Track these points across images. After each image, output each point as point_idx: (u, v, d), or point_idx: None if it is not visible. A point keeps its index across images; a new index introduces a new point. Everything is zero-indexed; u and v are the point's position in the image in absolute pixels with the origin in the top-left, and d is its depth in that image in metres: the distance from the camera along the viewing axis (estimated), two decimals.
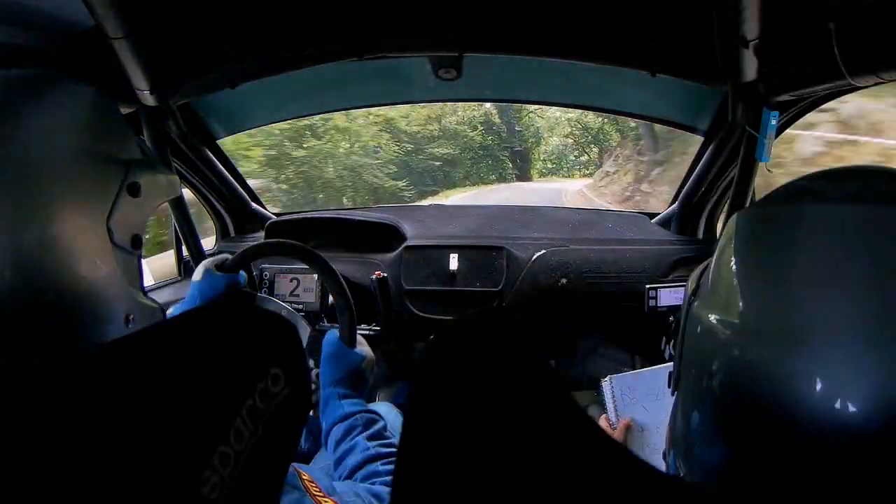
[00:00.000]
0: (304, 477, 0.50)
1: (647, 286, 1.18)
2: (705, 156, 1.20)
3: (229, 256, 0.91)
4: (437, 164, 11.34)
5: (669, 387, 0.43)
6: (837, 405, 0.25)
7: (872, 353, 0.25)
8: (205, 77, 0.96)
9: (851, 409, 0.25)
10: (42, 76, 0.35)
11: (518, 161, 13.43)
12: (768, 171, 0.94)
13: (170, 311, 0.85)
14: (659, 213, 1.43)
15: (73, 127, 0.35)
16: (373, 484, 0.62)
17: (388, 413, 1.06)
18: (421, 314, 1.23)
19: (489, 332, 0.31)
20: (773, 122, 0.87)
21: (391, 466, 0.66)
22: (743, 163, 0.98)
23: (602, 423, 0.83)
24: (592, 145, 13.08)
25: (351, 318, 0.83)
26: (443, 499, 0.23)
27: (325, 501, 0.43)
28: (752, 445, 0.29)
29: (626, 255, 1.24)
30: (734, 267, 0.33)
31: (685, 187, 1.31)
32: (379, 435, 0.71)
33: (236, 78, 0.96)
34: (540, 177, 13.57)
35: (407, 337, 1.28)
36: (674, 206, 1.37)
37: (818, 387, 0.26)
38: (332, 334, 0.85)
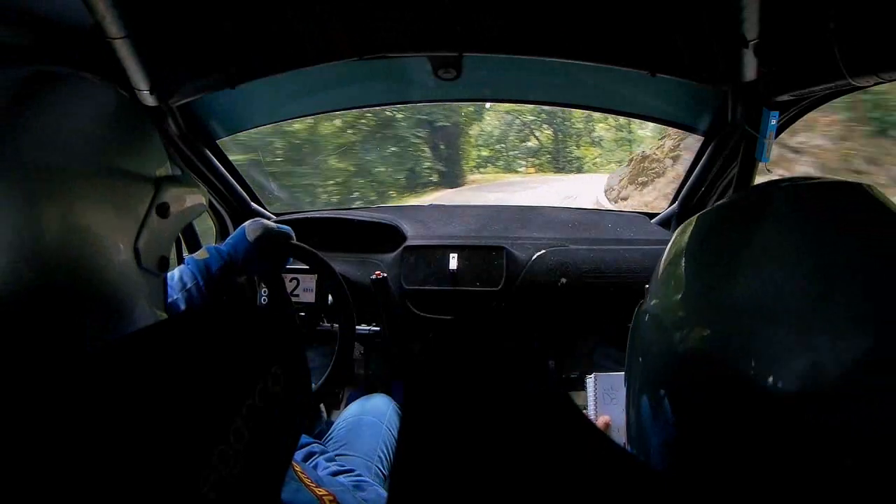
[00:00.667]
0: (296, 468, 0.50)
1: (647, 286, 1.18)
2: (705, 156, 1.20)
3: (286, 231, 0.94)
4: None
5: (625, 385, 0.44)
6: (771, 384, 0.26)
7: (807, 333, 0.26)
8: (205, 77, 0.96)
9: (784, 387, 0.25)
10: (70, 76, 0.35)
11: (443, 148, 9.12)
12: (768, 171, 0.94)
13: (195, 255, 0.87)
14: (659, 213, 1.43)
15: (106, 139, 0.34)
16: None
17: (387, 407, 1.05)
18: (421, 314, 1.23)
19: (488, 332, 0.31)
20: (773, 122, 0.87)
21: None
22: (743, 163, 0.98)
23: None
24: (546, 126, 10.14)
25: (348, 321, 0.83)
26: (440, 497, 0.23)
27: (319, 491, 0.43)
28: (694, 426, 0.30)
29: (625, 255, 1.24)
30: (679, 257, 0.35)
31: (685, 187, 1.31)
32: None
33: (236, 78, 0.96)
34: (476, 171, 9.86)
35: (407, 337, 1.28)
36: (674, 206, 1.37)
37: (752, 365, 0.26)
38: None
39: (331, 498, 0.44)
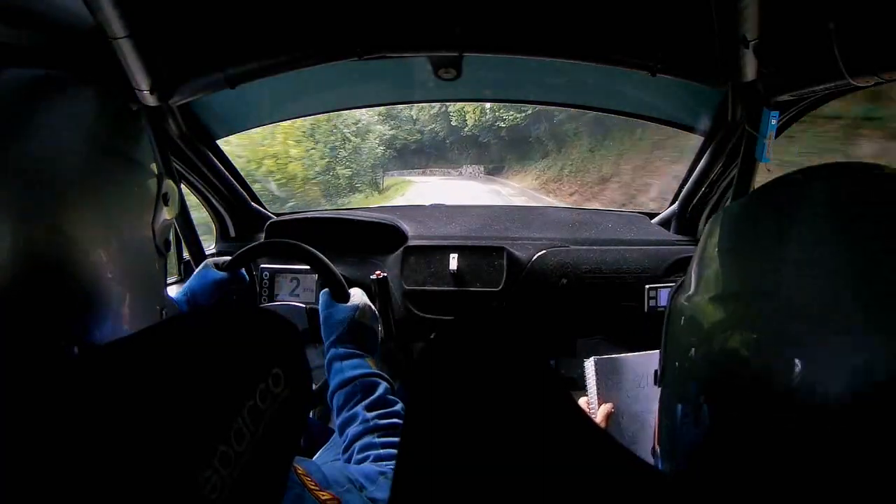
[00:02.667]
0: (299, 471, 0.50)
1: (647, 286, 1.18)
2: (705, 156, 1.20)
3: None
4: None
5: (656, 383, 0.43)
6: (816, 389, 0.25)
7: (851, 337, 0.25)
8: (205, 77, 0.96)
9: (830, 392, 0.25)
10: (71, 79, 0.36)
11: None
12: (768, 171, 0.94)
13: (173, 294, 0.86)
14: (659, 213, 1.43)
15: (124, 140, 0.38)
16: (366, 457, 0.61)
17: None
18: (421, 314, 1.23)
19: (489, 332, 0.31)
20: (773, 122, 0.87)
21: (386, 439, 0.64)
22: (743, 163, 0.98)
23: (580, 405, 0.82)
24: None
25: (332, 274, 0.81)
26: (443, 496, 0.23)
27: (324, 495, 0.43)
28: (733, 430, 0.29)
29: (626, 255, 1.24)
30: (717, 256, 0.34)
31: (685, 187, 1.31)
32: (378, 403, 0.69)
33: (236, 78, 0.96)
34: None
35: (407, 337, 1.28)
36: (674, 206, 1.38)
37: (797, 371, 0.26)
38: (324, 294, 0.84)
39: (336, 503, 0.43)
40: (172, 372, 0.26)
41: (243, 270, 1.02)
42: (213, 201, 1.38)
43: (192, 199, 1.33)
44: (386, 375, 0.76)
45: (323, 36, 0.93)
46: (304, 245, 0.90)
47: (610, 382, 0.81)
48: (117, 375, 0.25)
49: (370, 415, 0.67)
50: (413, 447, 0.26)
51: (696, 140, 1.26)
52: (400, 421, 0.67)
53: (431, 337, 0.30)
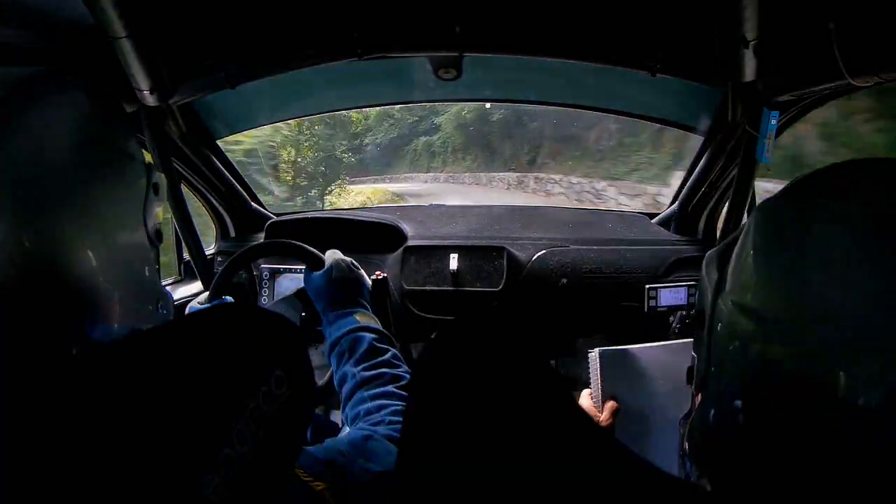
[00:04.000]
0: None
1: (647, 286, 1.18)
2: (705, 156, 1.20)
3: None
4: None
5: (689, 384, 0.42)
6: (862, 400, 0.25)
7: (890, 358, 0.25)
8: (205, 77, 0.96)
9: (874, 404, 0.25)
10: (54, 75, 0.36)
11: None
12: (768, 170, 0.94)
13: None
14: (659, 213, 1.43)
15: (106, 130, 0.38)
16: (358, 413, 0.60)
17: None
18: (421, 315, 1.23)
19: (489, 332, 0.31)
20: (773, 122, 0.87)
21: (375, 391, 0.63)
22: (743, 163, 0.98)
23: (584, 399, 0.80)
24: None
25: (300, 248, 0.83)
26: (444, 497, 0.23)
27: (318, 486, 0.42)
28: (770, 437, 0.29)
29: (626, 255, 1.24)
30: (751, 258, 0.32)
31: (685, 187, 1.31)
32: (365, 356, 0.68)
33: (236, 78, 0.96)
34: None
35: (407, 337, 1.28)
36: (674, 206, 1.38)
37: (841, 382, 0.26)
38: (304, 272, 0.83)
39: (326, 487, 0.42)
40: (174, 374, 0.26)
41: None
42: (213, 201, 1.38)
43: (192, 200, 1.33)
44: (374, 325, 0.74)
45: (323, 36, 0.93)
46: (263, 242, 0.90)
47: (614, 374, 0.79)
48: (119, 377, 0.25)
49: (357, 369, 0.66)
50: (414, 447, 0.26)
51: (695, 140, 1.27)
52: (388, 370, 0.65)
53: (431, 337, 0.30)
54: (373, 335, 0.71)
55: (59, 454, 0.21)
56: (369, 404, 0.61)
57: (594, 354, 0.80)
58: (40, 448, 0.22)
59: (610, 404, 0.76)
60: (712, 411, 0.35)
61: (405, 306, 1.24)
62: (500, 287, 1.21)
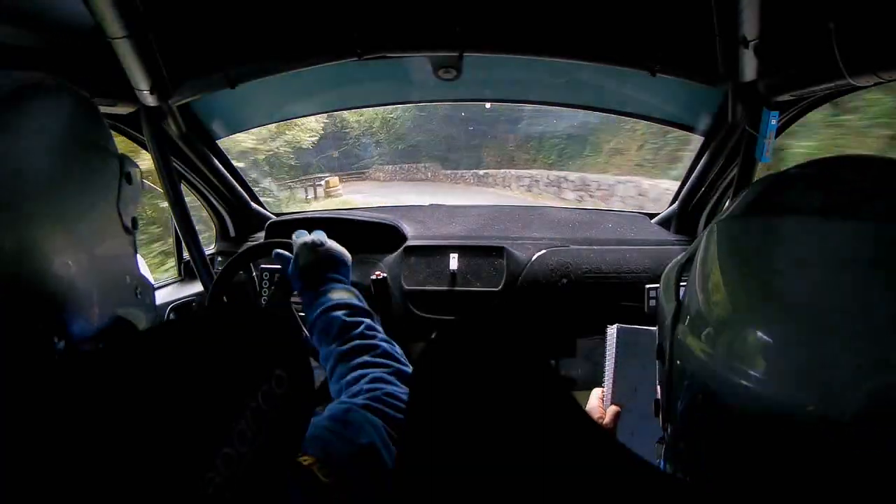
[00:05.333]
0: None
1: (647, 286, 1.18)
2: (705, 156, 1.20)
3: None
4: None
5: (656, 415, 0.42)
6: (834, 416, 0.25)
7: (864, 362, 0.25)
8: (205, 77, 0.96)
9: (849, 412, 0.25)
10: (38, 82, 0.37)
11: None
12: (768, 170, 0.94)
13: None
14: (659, 213, 1.43)
15: (78, 126, 0.39)
16: (340, 387, 0.60)
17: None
18: (421, 314, 1.23)
19: (489, 331, 0.31)
20: (773, 122, 0.87)
21: (351, 363, 0.62)
22: (743, 163, 0.98)
23: (594, 399, 0.80)
24: None
25: (268, 246, 0.87)
26: (444, 497, 0.23)
27: (306, 461, 0.42)
28: (760, 461, 0.29)
29: (626, 255, 1.24)
30: (725, 288, 0.31)
31: (685, 187, 1.31)
32: (338, 333, 0.67)
33: (236, 78, 0.96)
34: None
35: (407, 337, 1.28)
36: (674, 206, 1.37)
37: (816, 402, 0.25)
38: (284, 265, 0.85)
39: (316, 464, 0.42)
40: (175, 373, 0.26)
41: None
42: (213, 201, 1.38)
43: (192, 200, 1.33)
44: (347, 300, 0.73)
45: (323, 36, 0.93)
46: (236, 254, 0.95)
47: (629, 351, 0.79)
48: (120, 377, 0.25)
49: (333, 346, 0.66)
50: (414, 447, 0.26)
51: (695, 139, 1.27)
52: (360, 341, 0.65)
53: (432, 337, 0.30)
54: (343, 311, 0.70)
55: (62, 454, 0.22)
56: (348, 377, 0.60)
57: (612, 330, 0.80)
58: (44, 447, 0.22)
59: (613, 408, 0.76)
60: (683, 446, 0.35)
61: (405, 306, 1.24)
62: (500, 287, 1.21)
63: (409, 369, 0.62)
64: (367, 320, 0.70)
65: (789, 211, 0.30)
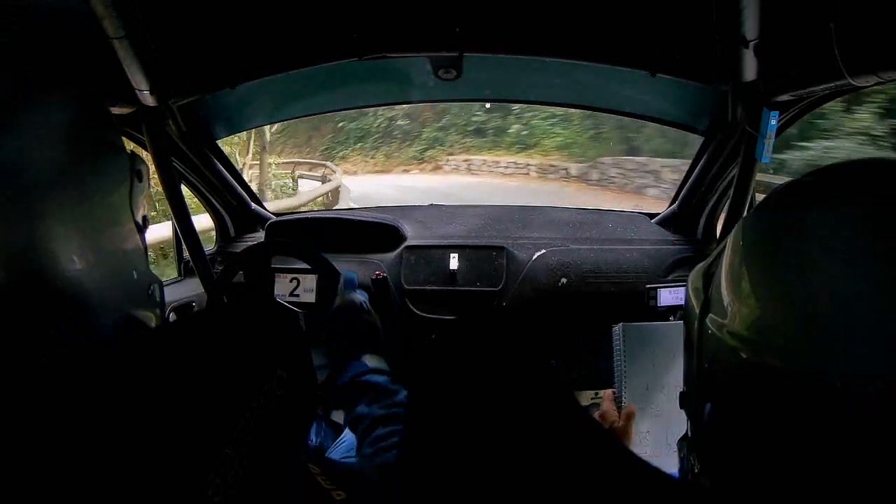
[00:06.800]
0: (314, 471, 0.49)
1: (647, 286, 1.18)
2: (705, 156, 1.20)
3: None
4: None
5: (682, 408, 0.42)
6: (856, 390, 0.25)
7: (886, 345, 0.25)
8: (205, 77, 0.96)
9: (868, 393, 0.25)
10: (44, 78, 0.37)
11: None
12: (771, 171, 0.94)
13: None
14: (659, 213, 1.43)
15: (86, 123, 0.39)
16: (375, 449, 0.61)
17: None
18: (421, 314, 1.23)
19: (490, 331, 0.31)
20: (773, 122, 0.87)
21: (391, 427, 0.64)
22: (743, 163, 0.98)
23: (607, 401, 0.80)
24: None
25: (257, 248, 0.89)
26: (445, 497, 0.23)
27: (338, 496, 0.42)
28: (765, 436, 0.29)
29: (626, 255, 1.24)
30: (739, 265, 0.32)
31: (685, 187, 1.31)
32: (377, 397, 0.69)
33: (236, 78, 0.96)
34: None
35: (407, 337, 1.28)
36: (674, 206, 1.37)
37: (837, 375, 0.26)
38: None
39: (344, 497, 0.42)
40: (175, 374, 0.26)
41: None
42: (213, 201, 1.38)
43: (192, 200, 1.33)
44: (384, 367, 0.75)
45: (323, 36, 0.93)
46: (236, 255, 0.96)
47: (636, 350, 0.79)
48: (121, 377, 0.25)
49: (371, 409, 0.67)
50: (415, 447, 0.26)
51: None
52: (400, 410, 0.67)
53: (432, 337, 0.30)
54: (384, 377, 0.72)
55: (63, 454, 0.22)
56: (383, 444, 0.62)
57: (618, 328, 0.80)
58: (44, 447, 0.22)
59: (627, 409, 0.77)
60: (706, 407, 0.35)
61: (405, 306, 1.24)
62: (500, 287, 1.21)
63: None
64: (405, 391, 0.71)
65: (816, 203, 0.31)
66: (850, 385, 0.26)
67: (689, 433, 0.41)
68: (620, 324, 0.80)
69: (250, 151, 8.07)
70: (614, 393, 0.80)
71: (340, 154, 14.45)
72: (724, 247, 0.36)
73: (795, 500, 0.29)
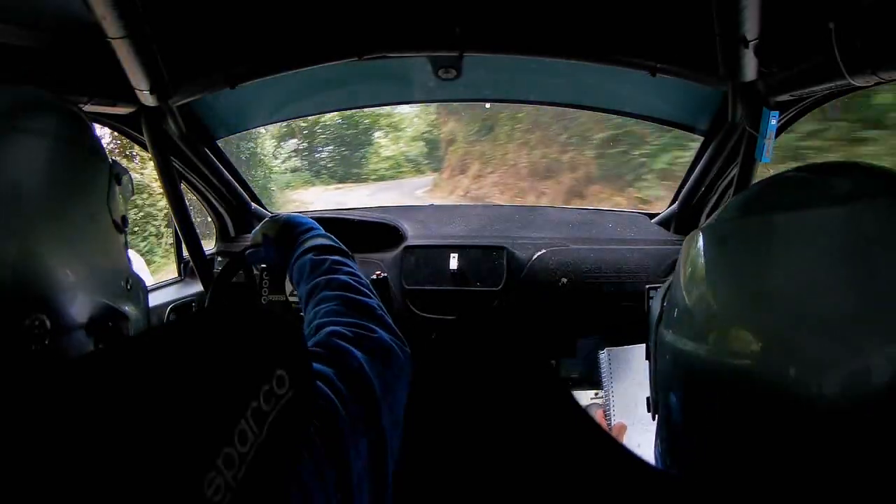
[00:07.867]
0: None
1: (647, 286, 1.18)
2: (705, 156, 1.20)
3: None
4: None
5: (648, 411, 0.44)
6: (815, 392, 0.26)
7: (852, 339, 0.26)
8: (205, 77, 0.96)
9: (828, 394, 0.26)
10: (26, 97, 0.39)
11: None
12: (769, 171, 0.94)
13: None
14: (659, 213, 1.43)
15: (68, 137, 0.40)
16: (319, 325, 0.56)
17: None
18: (421, 314, 1.23)
19: (489, 331, 0.31)
20: (773, 122, 0.87)
21: (315, 298, 0.61)
22: (743, 163, 0.98)
23: (598, 419, 0.82)
24: None
25: (242, 257, 0.89)
26: (445, 495, 0.23)
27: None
28: (726, 435, 0.30)
29: (626, 255, 1.24)
30: (705, 286, 0.33)
31: (685, 187, 1.31)
32: (308, 275, 0.65)
33: (236, 78, 0.96)
34: None
35: (407, 337, 1.29)
36: (674, 206, 1.38)
37: (793, 375, 0.26)
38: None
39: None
40: (175, 373, 0.26)
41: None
42: (213, 201, 1.38)
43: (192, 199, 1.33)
44: (319, 242, 0.71)
45: (323, 36, 0.93)
46: (235, 255, 0.96)
47: (621, 372, 0.82)
48: (120, 377, 0.25)
49: (302, 286, 0.65)
50: (415, 447, 0.26)
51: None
52: (323, 277, 0.63)
53: (432, 337, 0.31)
54: (313, 252, 0.68)
55: (63, 454, 0.22)
56: (310, 316, 0.58)
57: (604, 354, 0.83)
58: (44, 447, 0.22)
59: (617, 425, 0.78)
60: (672, 439, 0.36)
61: (405, 306, 1.24)
62: (500, 287, 1.21)
63: (368, 300, 0.59)
64: (335, 256, 0.67)
65: (771, 208, 0.32)
66: (804, 376, 0.26)
67: (657, 430, 0.42)
68: (606, 349, 0.83)
69: None
70: (605, 412, 0.82)
71: None
72: (680, 260, 0.37)
73: (757, 484, 0.29)
